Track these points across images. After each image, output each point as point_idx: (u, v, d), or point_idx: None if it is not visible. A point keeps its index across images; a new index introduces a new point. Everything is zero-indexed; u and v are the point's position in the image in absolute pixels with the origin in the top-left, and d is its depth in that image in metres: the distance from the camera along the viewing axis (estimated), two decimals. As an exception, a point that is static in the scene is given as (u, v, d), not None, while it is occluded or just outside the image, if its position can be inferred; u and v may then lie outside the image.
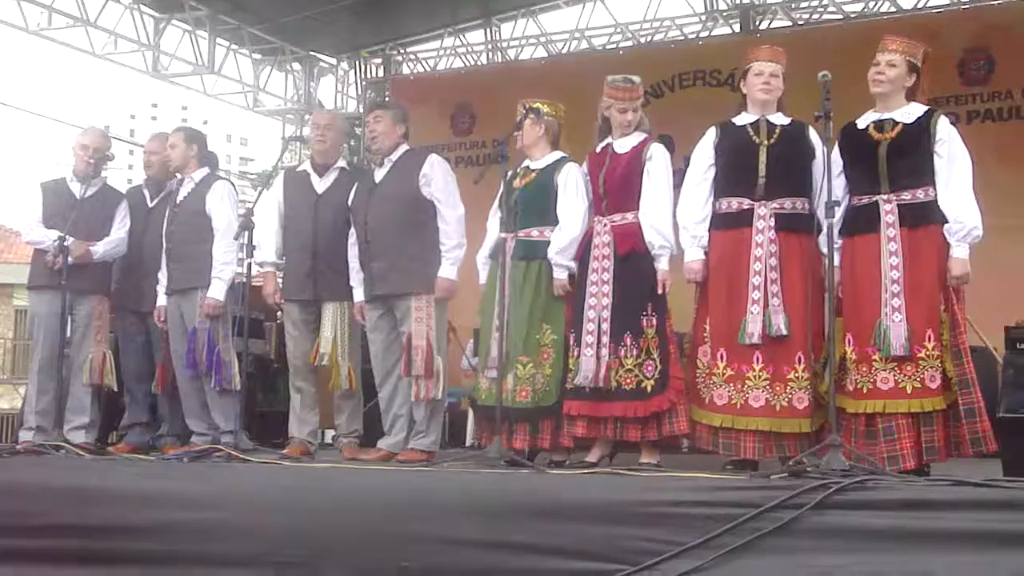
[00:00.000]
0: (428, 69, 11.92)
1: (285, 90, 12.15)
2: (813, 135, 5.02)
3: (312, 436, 6.12)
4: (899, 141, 4.79)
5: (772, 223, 4.99)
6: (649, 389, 5.12)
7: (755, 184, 5.03)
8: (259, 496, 4.66)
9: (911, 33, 5.12)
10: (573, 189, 5.44)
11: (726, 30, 10.76)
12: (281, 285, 6.29)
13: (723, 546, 3.73)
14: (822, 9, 10.38)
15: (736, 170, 5.09)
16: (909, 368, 4.65)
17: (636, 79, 5.39)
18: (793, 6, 10.42)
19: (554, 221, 5.45)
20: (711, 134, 5.21)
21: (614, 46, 11.14)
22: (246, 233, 5.72)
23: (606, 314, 5.23)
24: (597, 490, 4.21)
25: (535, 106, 5.55)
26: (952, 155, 4.77)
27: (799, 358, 4.92)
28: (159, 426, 6.57)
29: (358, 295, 5.85)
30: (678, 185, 5.25)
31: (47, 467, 5.55)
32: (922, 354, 4.63)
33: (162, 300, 6.31)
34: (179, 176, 6.43)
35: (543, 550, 4.00)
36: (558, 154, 5.60)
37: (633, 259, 5.22)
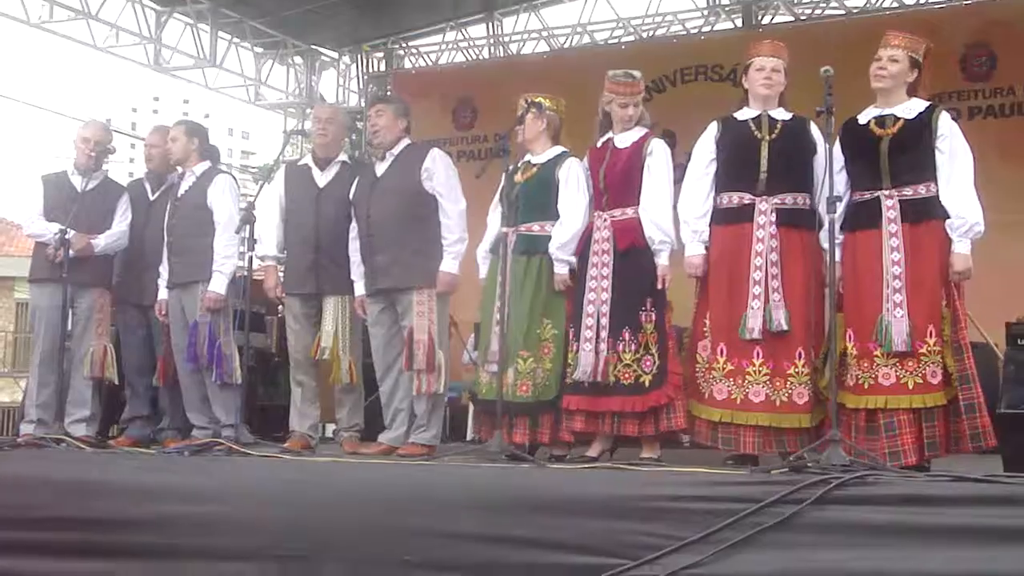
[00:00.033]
0: (430, 63, 11.90)
1: (287, 84, 12.13)
2: (814, 130, 5.02)
3: (313, 430, 6.13)
4: (900, 137, 4.79)
5: (773, 218, 4.99)
6: (647, 384, 5.13)
7: (756, 179, 5.03)
8: (260, 490, 4.66)
9: (913, 28, 5.11)
10: (574, 184, 5.44)
11: (728, 25, 10.73)
12: (282, 279, 6.29)
13: (723, 541, 3.74)
14: (824, 4, 10.35)
15: (737, 165, 5.09)
16: (911, 364, 4.65)
17: (637, 74, 5.39)
18: (795, 1, 10.41)
19: (555, 216, 5.45)
20: (712, 129, 5.21)
21: (616, 41, 11.11)
22: (247, 227, 5.72)
23: (605, 309, 5.23)
24: (597, 485, 4.22)
25: (537, 100, 5.55)
26: (953, 151, 4.77)
27: (799, 353, 4.92)
28: (160, 420, 6.57)
29: (359, 289, 5.85)
30: (680, 180, 5.25)
31: (48, 460, 5.56)
32: (923, 350, 4.64)
33: (163, 293, 6.31)
34: (180, 169, 6.43)
35: (543, 544, 4.01)
36: (559, 149, 5.61)
37: (633, 254, 5.23)
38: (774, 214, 4.99)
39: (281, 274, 6.34)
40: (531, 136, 5.59)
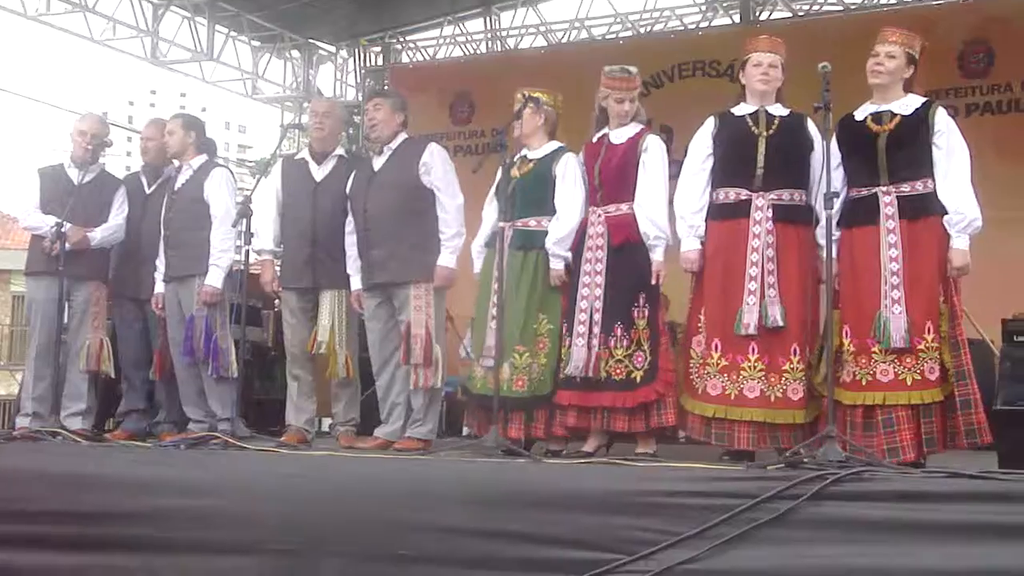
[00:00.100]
0: (427, 58, 11.89)
1: (284, 77, 12.12)
2: (811, 127, 5.02)
3: (309, 424, 6.13)
4: (898, 133, 4.79)
5: (770, 214, 4.99)
6: (638, 380, 5.14)
7: (753, 175, 5.03)
8: (256, 484, 4.66)
9: (911, 25, 5.11)
10: (571, 180, 5.44)
11: (726, 20, 10.74)
12: (279, 273, 6.29)
13: (719, 536, 3.74)
14: (822, 0, 10.36)
15: (734, 161, 5.09)
16: (909, 360, 4.65)
17: (633, 69, 5.39)
18: (793, -3, 10.41)
19: (551, 211, 5.45)
20: (710, 124, 5.21)
21: (614, 36, 11.11)
22: (244, 221, 5.71)
23: (598, 304, 5.24)
24: (593, 480, 4.22)
25: (535, 95, 5.55)
26: (951, 146, 4.77)
27: (794, 349, 4.93)
28: (156, 413, 6.57)
29: (355, 283, 5.85)
30: (677, 175, 5.25)
31: (43, 453, 5.56)
32: (922, 346, 4.64)
33: (160, 287, 6.30)
34: (177, 163, 6.42)
35: (539, 539, 4.01)
36: (556, 144, 5.60)
37: (627, 250, 5.23)
38: (770, 210, 4.99)
39: (278, 268, 6.33)
40: (528, 131, 5.58)
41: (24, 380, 6.67)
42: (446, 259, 5.66)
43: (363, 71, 12.10)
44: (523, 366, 5.35)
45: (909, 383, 4.64)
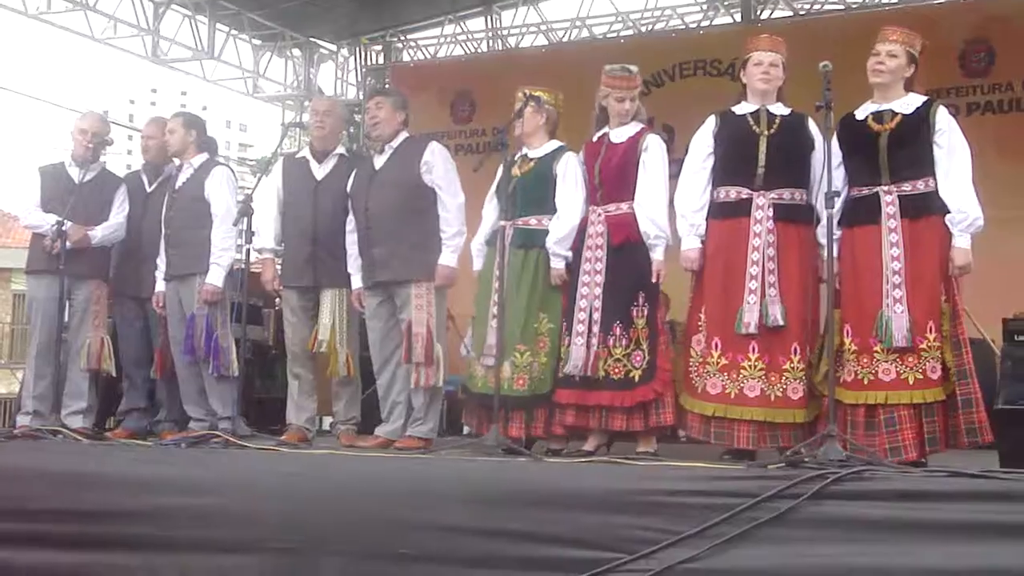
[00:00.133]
0: (428, 56, 11.89)
1: (285, 76, 12.12)
2: (812, 126, 5.03)
3: (310, 423, 6.13)
4: (899, 132, 4.78)
5: (770, 213, 4.99)
6: (636, 379, 5.14)
7: (754, 174, 5.03)
8: (257, 482, 4.66)
9: (912, 24, 5.11)
10: (572, 179, 5.44)
11: (727, 20, 10.74)
12: (280, 271, 6.29)
13: (720, 535, 3.74)
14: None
15: (735, 159, 5.09)
16: (911, 359, 4.65)
17: (634, 68, 5.39)
18: (794, -4, 10.41)
19: (552, 210, 5.45)
20: (711, 122, 5.21)
21: (615, 35, 11.11)
22: (245, 219, 5.71)
23: (597, 304, 5.24)
24: (594, 479, 4.22)
25: (536, 94, 5.55)
26: (952, 145, 4.77)
27: (795, 349, 4.93)
28: (157, 412, 6.57)
29: (356, 282, 5.85)
30: (678, 174, 5.25)
31: (44, 452, 5.55)
32: (924, 345, 4.64)
33: (160, 286, 6.31)
34: (178, 161, 6.42)
35: (540, 538, 4.01)
36: (556, 143, 5.60)
37: (627, 249, 5.23)
38: (771, 209, 4.99)
39: (278, 267, 6.33)
40: (529, 130, 5.58)
41: (25, 378, 6.67)
42: (447, 258, 5.66)
43: (364, 70, 12.10)
44: (524, 365, 5.35)
45: (911, 382, 4.64)
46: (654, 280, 5.20)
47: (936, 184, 4.75)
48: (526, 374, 5.35)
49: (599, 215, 5.33)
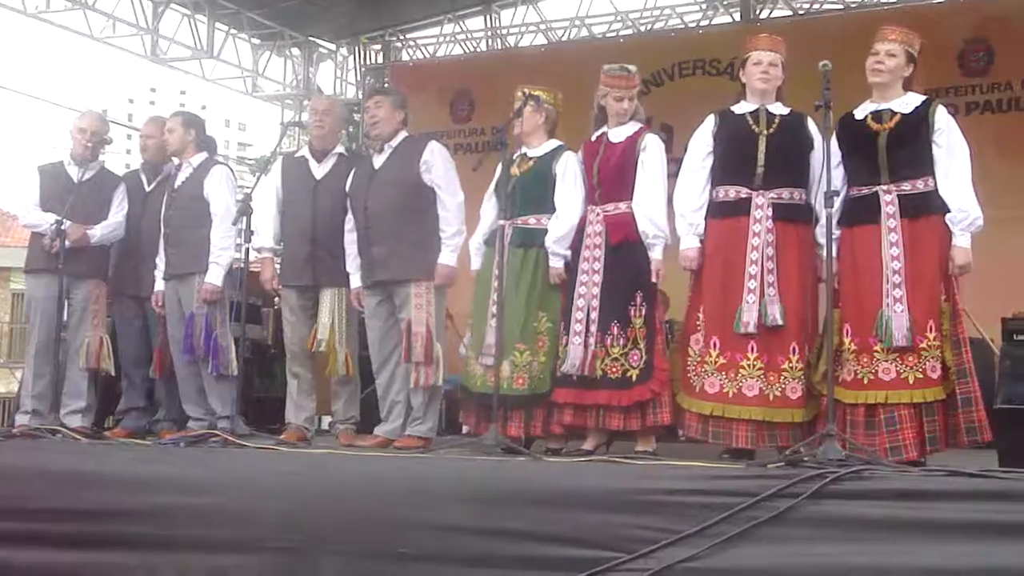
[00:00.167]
0: (427, 56, 11.88)
1: (284, 75, 12.11)
2: (812, 126, 5.03)
3: (309, 422, 6.14)
4: (898, 131, 4.79)
5: (770, 212, 4.99)
6: (634, 378, 5.14)
7: (754, 173, 5.03)
8: (256, 482, 4.65)
9: (911, 23, 5.11)
10: (571, 178, 5.44)
11: (726, 19, 10.74)
12: (279, 271, 6.29)
13: (719, 534, 3.74)
14: (822, -1, 10.36)
15: (735, 159, 5.09)
16: (911, 359, 4.65)
17: (632, 68, 5.39)
18: (793, -5, 10.41)
19: (551, 209, 5.45)
20: (710, 122, 5.21)
21: (614, 34, 11.11)
22: (244, 218, 5.71)
23: (595, 303, 5.24)
24: (593, 478, 4.22)
25: (535, 93, 5.55)
26: (951, 145, 4.77)
27: (793, 348, 4.94)
28: (156, 411, 6.57)
29: (355, 281, 5.85)
30: (677, 174, 5.25)
31: (43, 451, 5.56)
32: (924, 344, 4.64)
33: (160, 285, 6.30)
34: (177, 160, 6.42)
35: (539, 537, 4.01)
36: (555, 142, 5.60)
37: (625, 249, 5.23)
38: (770, 208, 5.00)
39: (278, 266, 6.33)
40: (529, 129, 5.58)
41: (24, 377, 6.68)
42: (447, 257, 5.66)
43: (363, 69, 12.09)
44: (523, 364, 5.35)
45: (911, 382, 4.64)
46: (653, 280, 5.20)
47: (935, 183, 4.75)
48: (526, 373, 5.35)
49: (597, 215, 5.33)
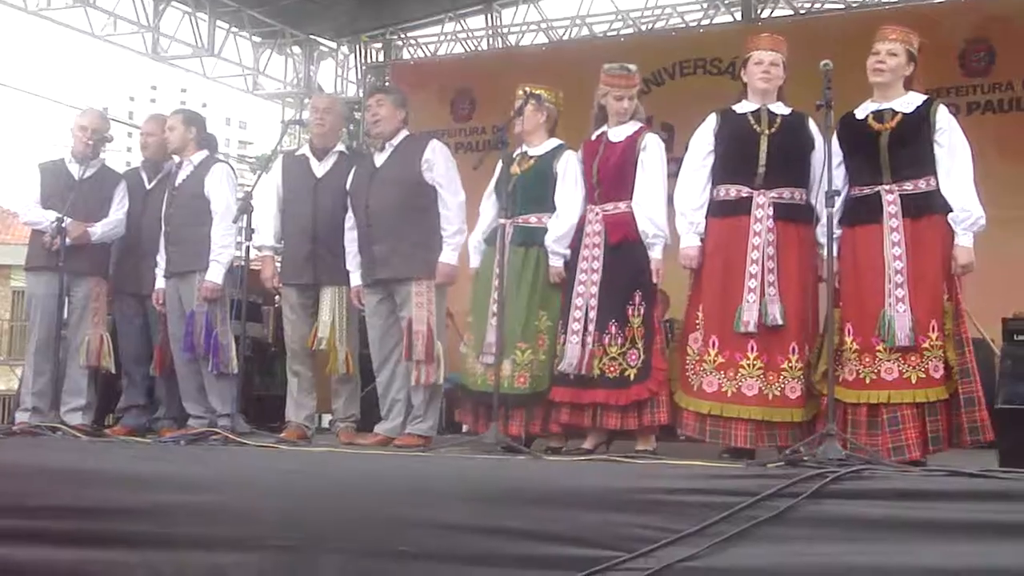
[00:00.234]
0: (428, 54, 11.87)
1: (285, 73, 12.10)
2: (812, 126, 5.04)
3: (309, 420, 6.14)
4: (900, 131, 4.78)
5: (770, 212, 4.99)
6: (632, 378, 5.14)
7: (755, 173, 5.03)
8: (256, 480, 4.66)
9: (912, 23, 5.11)
10: (572, 178, 5.44)
11: (727, 18, 10.72)
12: (279, 269, 6.29)
13: (719, 534, 3.74)
14: (824, -2, 10.36)
15: (736, 158, 5.09)
16: (913, 358, 4.65)
17: (632, 67, 5.39)
18: (794, -6, 10.40)
19: (552, 208, 5.45)
20: (711, 121, 5.21)
21: (615, 33, 11.10)
22: (245, 216, 5.72)
23: (593, 302, 5.25)
24: (593, 477, 4.22)
25: (537, 92, 5.54)
26: (953, 144, 4.77)
27: (793, 348, 4.94)
28: (156, 409, 6.57)
29: (355, 279, 5.85)
30: (677, 173, 5.25)
31: (43, 448, 5.56)
32: (926, 344, 4.64)
33: (160, 283, 6.30)
34: (177, 158, 6.42)
35: (539, 536, 4.01)
36: (556, 141, 5.60)
37: (624, 248, 5.24)
38: (771, 208, 5.00)
39: (278, 264, 6.33)
40: (530, 128, 5.58)
41: (24, 375, 6.68)
42: (448, 256, 5.66)
43: (364, 67, 12.08)
44: (525, 363, 5.35)
45: (914, 381, 4.64)
46: (653, 279, 5.20)
47: (937, 183, 4.75)
48: (527, 372, 5.35)
49: (597, 214, 5.33)
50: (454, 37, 11.70)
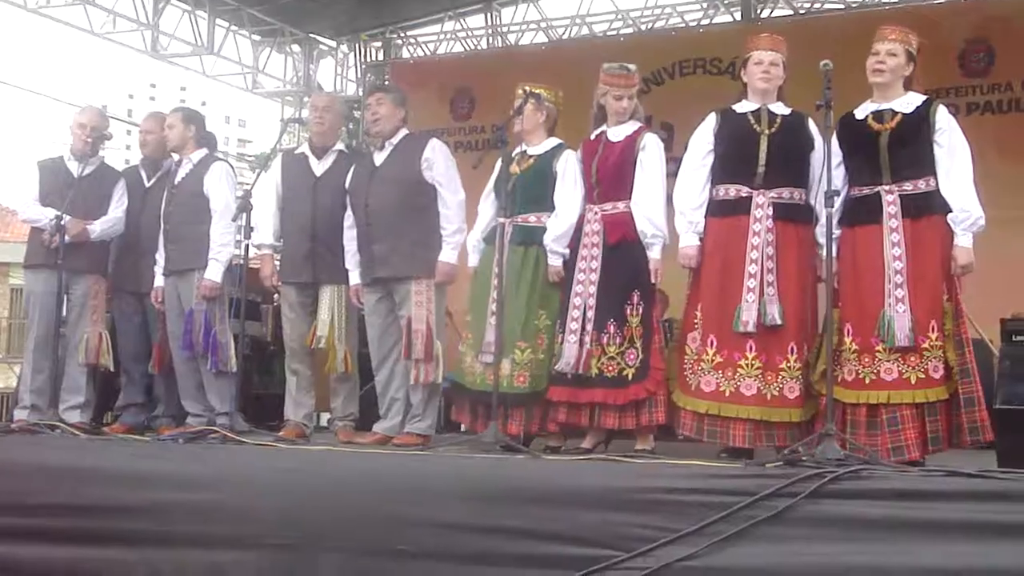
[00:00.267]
0: (428, 53, 11.87)
1: (284, 72, 12.10)
2: (812, 127, 5.04)
3: (308, 419, 6.14)
4: (900, 131, 4.78)
5: (770, 212, 5.00)
6: (630, 377, 5.14)
7: (754, 172, 5.03)
8: (254, 478, 4.66)
9: (911, 24, 5.11)
10: (571, 177, 5.44)
11: (727, 18, 10.73)
12: (278, 267, 6.29)
13: (718, 533, 3.74)
14: (823, -2, 10.36)
15: (736, 158, 5.09)
16: (913, 359, 4.65)
17: (632, 67, 5.39)
18: (794, -6, 10.41)
19: (551, 207, 5.45)
20: (711, 120, 5.21)
21: (615, 33, 11.10)
22: (244, 215, 5.71)
23: (592, 302, 5.25)
24: (592, 476, 4.22)
25: (536, 91, 5.54)
26: (952, 145, 4.77)
27: (791, 348, 4.94)
28: (155, 407, 6.57)
29: (354, 278, 5.85)
30: (676, 173, 5.25)
31: (42, 446, 5.56)
32: (926, 344, 4.64)
33: (159, 281, 6.30)
34: (176, 156, 6.42)
35: (538, 535, 4.01)
36: (555, 141, 5.60)
37: (622, 248, 5.24)
38: (771, 208, 5.00)
39: (277, 263, 6.33)
40: (530, 127, 5.58)
41: (22, 373, 6.68)
42: (447, 255, 5.66)
43: (363, 66, 12.08)
44: (525, 362, 5.35)
45: (913, 382, 4.64)
46: (652, 279, 5.20)
47: (937, 183, 4.75)
48: (527, 371, 5.34)
49: (596, 214, 5.33)
50: (454, 36, 11.71)
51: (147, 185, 6.58)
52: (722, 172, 5.12)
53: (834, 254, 4.56)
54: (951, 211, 4.71)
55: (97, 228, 6.37)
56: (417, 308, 5.59)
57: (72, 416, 6.26)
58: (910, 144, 4.77)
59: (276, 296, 7.24)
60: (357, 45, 12.07)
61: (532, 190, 5.47)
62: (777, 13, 10.51)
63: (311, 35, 11.95)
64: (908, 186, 4.76)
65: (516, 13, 11.47)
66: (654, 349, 5.18)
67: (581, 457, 4.83)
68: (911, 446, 4.59)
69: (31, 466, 5.09)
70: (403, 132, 5.87)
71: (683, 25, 10.85)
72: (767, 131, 5.05)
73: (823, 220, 4.59)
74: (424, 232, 5.66)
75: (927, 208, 4.73)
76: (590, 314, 5.23)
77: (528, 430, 5.44)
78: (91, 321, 6.43)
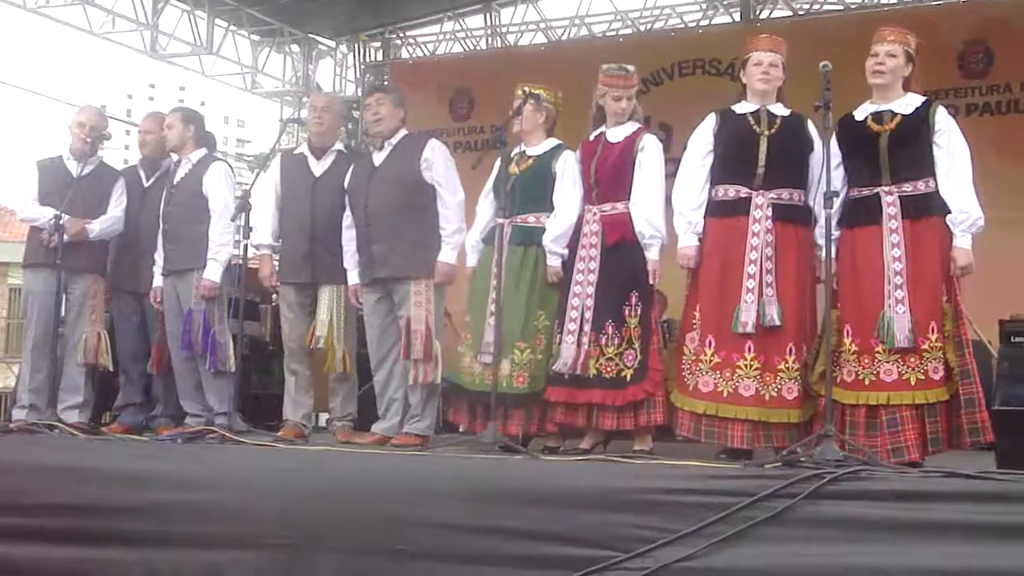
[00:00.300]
0: (427, 53, 11.87)
1: (283, 72, 12.10)
2: (811, 128, 5.03)
3: (306, 419, 6.13)
4: (899, 132, 4.78)
5: (769, 213, 4.99)
6: (628, 378, 5.14)
7: (754, 173, 5.03)
8: (253, 478, 4.66)
9: (910, 25, 5.11)
10: (570, 178, 5.44)
11: (726, 19, 10.73)
12: (277, 267, 6.28)
13: (716, 534, 3.74)
14: (823, -1, 10.36)
15: (735, 159, 5.09)
16: (913, 360, 4.65)
17: (631, 68, 5.39)
18: (793, -5, 10.41)
19: (550, 208, 5.45)
20: (710, 121, 5.20)
21: (614, 33, 11.10)
22: (243, 215, 5.71)
23: (590, 303, 5.24)
24: (591, 477, 4.22)
25: (536, 92, 5.54)
26: (952, 146, 4.77)
27: (790, 349, 4.93)
28: (153, 407, 6.56)
29: (352, 278, 5.85)
30: (675, 174, 5.25)
31: (40, 446, 5.55)
32: (926, 346, 4.63)
33: (158, 281, 6.30)
34: (175, 156, 6.41)
35: (537, 536, 4.01)
36: (554, 141, 5.60)
37: (621, 249, 5.23)
38: (770, 208, 5.00)
39: (276, 263, 6.33)
40: (529, 128, 5.58)
41: (21, 372, 6.67)
42: (447, 255, 5.66)
43: (363, 66, 12.08)
44: (523, 362, 5.35)
45: (913, 383, 4.64)
46: (650, 280, 5.20)
47: (936, 184, 4.75)
48: (526, 371, 5.34)
49: (594, 214, 5.33)
50: (453, 36, 11.70)
51: (146, 185, 6.58)
52: (721, 173, 5.12)
53: (833, 255, 4.56)
54: (950, 212, 4.71)
55: (96, 228, 6.37)
56: (416, 308, 5.59)
57: (70, 416, 6.26)
58: (909, 145, 4.77)
59: (275, 296, 7.23)
60: (356, 45, 12.07)
61: (531, 190, 5.47)
62: (776, 14, 10.51)
63: (310, 35, 11.95)
64: (907, 187, 4.76)
65: (515, 14, 11.48)
66: (652, 350, 5.18)
67: (580, 458, 4.83)
68: (911, 447, 4.59)
69: (29, 466, 5.08)
70: (402, 132, 5.87)
71: (682, 26, 10.85)
72: (767, 132, 5.05)
73: (822, 221, 4.58)
74: (423, 232, 5.65)
75: (926, 209, 4.73)
76: (588, 315, 5.23)
77: (527, 431, 5.43)
78: (90, 321, 6.42)
